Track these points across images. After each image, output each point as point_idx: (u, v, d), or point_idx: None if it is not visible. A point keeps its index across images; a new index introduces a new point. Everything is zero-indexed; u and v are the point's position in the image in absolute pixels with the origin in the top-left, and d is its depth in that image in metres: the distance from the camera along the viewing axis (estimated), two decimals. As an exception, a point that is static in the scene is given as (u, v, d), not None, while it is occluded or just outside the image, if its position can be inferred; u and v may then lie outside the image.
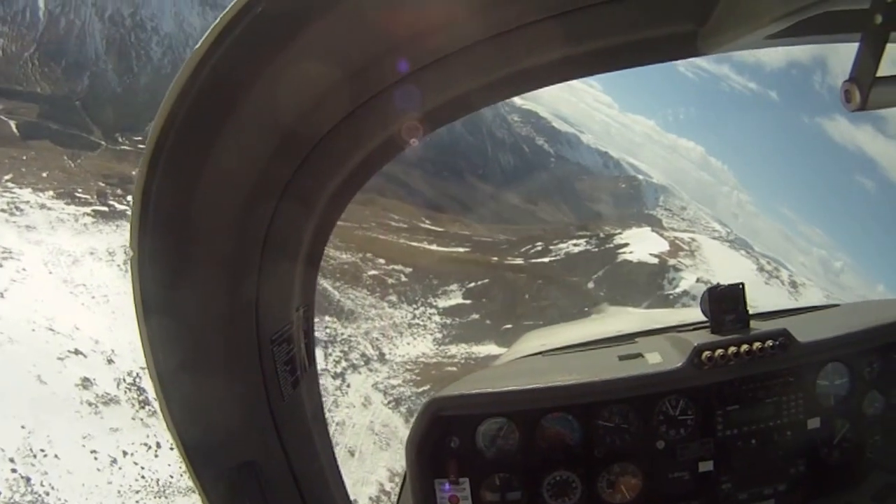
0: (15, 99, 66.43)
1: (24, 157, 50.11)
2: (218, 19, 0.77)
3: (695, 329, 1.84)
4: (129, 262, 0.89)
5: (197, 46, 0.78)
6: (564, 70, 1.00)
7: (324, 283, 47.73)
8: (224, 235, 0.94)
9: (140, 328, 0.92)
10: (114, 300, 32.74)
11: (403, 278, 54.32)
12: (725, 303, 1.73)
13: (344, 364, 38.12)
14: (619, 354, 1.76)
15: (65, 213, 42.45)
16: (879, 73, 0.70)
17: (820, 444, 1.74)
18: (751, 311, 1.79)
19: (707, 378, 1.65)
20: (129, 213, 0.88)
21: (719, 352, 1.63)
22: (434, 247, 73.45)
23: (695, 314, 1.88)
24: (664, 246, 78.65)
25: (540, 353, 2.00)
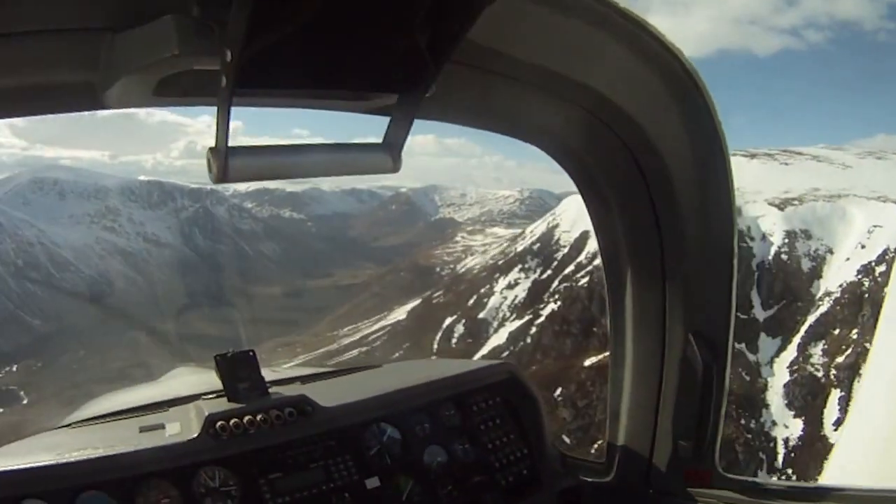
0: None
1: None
2: None
3: (215, 397, 1.80)
4: None
5: None
6: None
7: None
8: None
9: None
10: None
11: None
12: (238, 370, 1.75)
13: None
14: (141, 425, 1.71)
15: None
16: (236, 143, 0.67)
17: (387, 502, 1.77)
18: (274, 377, 1.88)
19: (230, 448, 1.63)
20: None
21: (234, 421, 1.63)
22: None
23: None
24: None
25: (65, 425, 1.88)
